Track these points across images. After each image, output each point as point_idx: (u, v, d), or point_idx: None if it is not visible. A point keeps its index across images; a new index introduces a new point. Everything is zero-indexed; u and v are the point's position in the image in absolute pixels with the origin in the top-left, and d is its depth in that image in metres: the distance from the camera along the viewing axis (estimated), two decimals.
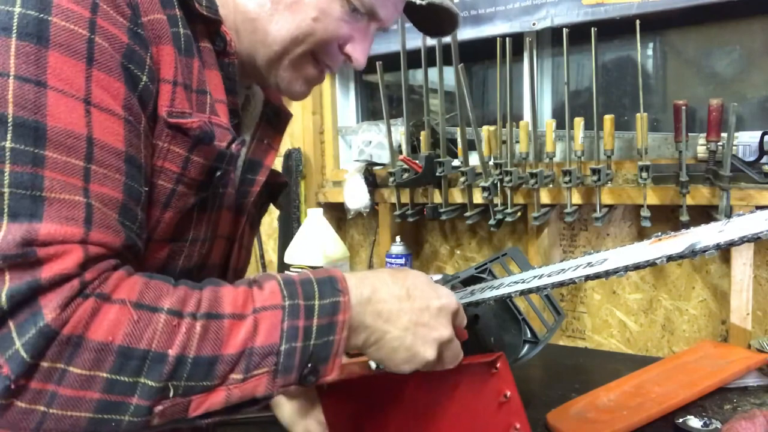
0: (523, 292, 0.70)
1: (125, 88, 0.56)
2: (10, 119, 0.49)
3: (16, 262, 0.47)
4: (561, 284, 0.65)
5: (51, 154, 0.50)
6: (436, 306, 0.63)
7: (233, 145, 0.66)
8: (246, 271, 0.88)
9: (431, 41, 1.65)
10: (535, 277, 0.73)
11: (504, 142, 1.59)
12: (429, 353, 0.62)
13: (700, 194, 1.39)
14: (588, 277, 0.62)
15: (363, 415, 0.79)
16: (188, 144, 0.61)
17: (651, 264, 0.55)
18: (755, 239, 0.47)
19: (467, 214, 1.65)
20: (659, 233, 0.64)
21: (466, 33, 1.67)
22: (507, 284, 0.76)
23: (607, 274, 0.59)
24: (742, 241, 0.48)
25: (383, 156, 1.92)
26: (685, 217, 1.39)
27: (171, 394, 0.51)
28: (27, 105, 0.50)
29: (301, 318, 0.56)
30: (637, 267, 0.56)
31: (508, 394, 0.69)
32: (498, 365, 0.70)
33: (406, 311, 0.62)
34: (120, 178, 0.55)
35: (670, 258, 0.53)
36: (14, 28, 0.51)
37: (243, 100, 0.80)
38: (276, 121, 0.84)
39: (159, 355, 0.50)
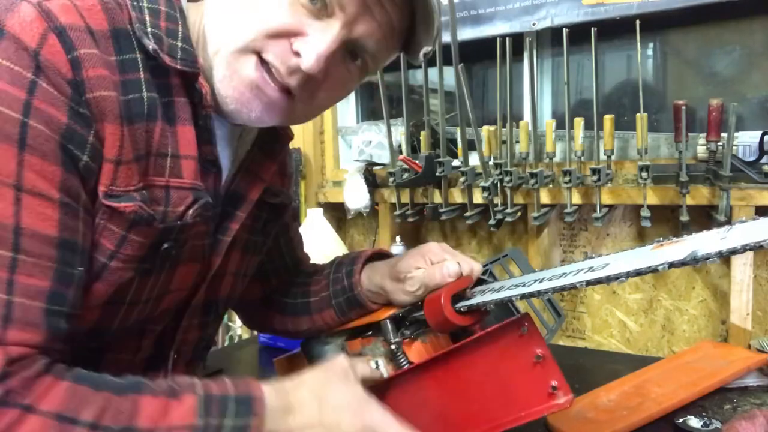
0: (524, 296, 0.70)
1: (62, 170, 0.54)
2: None
3: None
4: (562, 289, 0.65)
5: None
6: (349, 424, 0.62)
7: (191, 211, 0.64)
8: (237, 295, 0.85)
9: None
10: (535, 280, 0.73)
11: (504, 142, 1.59)
12: None
13: (700, 194, 1.39)
14: (589, 282, 0.61)
15: (407, 404, 0.79)
16: (125, 224, 0.59)
17: (653, 271, 0.55)
18: (758, 248, 0.47)
19: (467, 214, 1.65)
20: (661, 238, 0.64)
21: (466, 33, 1.67)
22: (508, 287, 0.76)
23: (608, 279, 0.59)
24: (745, 249, 0.48)
25: (383, 156, 1.92)
26: (685, 218, 1.39)
27: None
28: None
29: None
30: (638, 273, 0.56)
31: (541, 353, 0.68)
32: (526, 325, 0.69)
33: (321, 425, 0.62)
34: (50, 265, 0.54)
35: (672, 265, 0.53)
36: None
37: (240, 132, 0.75)
38: (270, 146, 0.79)
39: None
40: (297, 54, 0.62)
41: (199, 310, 0.75)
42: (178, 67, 0.62)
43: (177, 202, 0.63)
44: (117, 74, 0.58)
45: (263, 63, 0.63)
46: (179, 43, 0.63)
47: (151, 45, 0.60)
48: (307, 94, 0.66)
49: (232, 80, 0.64)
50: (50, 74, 0.53)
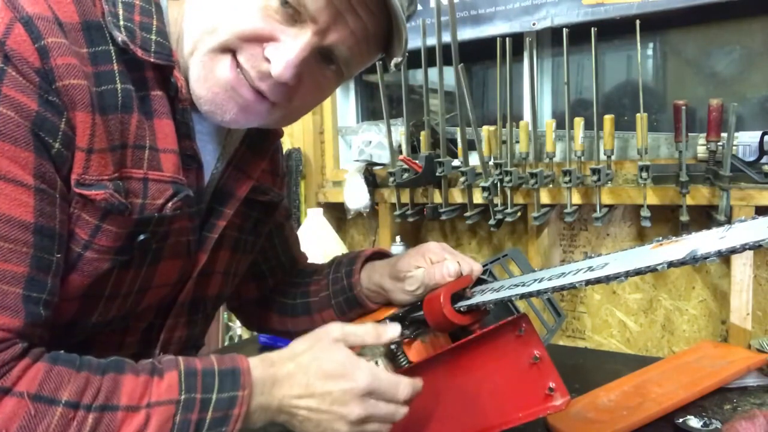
0: (523, 296, 0.70)
1: (35, 155, 0.54)
2: None
3: None
4: (562, 288, 0.65)
5: None
6: (340, 390, 0.62)
7: (170, 204, 0.63)
8: (227, 294, 0.85)
9: (431, 41, 1.64)
10: (535, 280, 0.73)
11: (504, 142, 1.59)
12: (342, 429, 0.63)
13: (700, 194, 1.39)
14: (589, 282, 0.61)
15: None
16: (98, 213, 0.59)
17: (652, 270, 0.55)
18: (756, 247, 0.47)
19: (467, 214, 1.66)
20: (660, 237, 0.64)
21: (466, 33, 1.67)
22: (507, 287, 0.76)
23: (608, 279, 0.59)
24: (744, 248, 0.48)
25: (383, 156, 1.92)
26: (685, 217, 1.39)
27: None
28: None
29: (195, 411, 0.57)
30: (638, 273, 0.56)
31: (538, 354, 0.68)
32: (523, 326, 0.69)
33: (313, 395, 0.62)
34: (27, 251, 0.54)
35: (671, 264, 0.53)
36: None
37: (227, 129, 0.75)
38: (259, 145, 0.79)
39: None
40: (268, 60, 0.62)
41: (186, 308, 0.75)
42: (152, 59, 0.62)
43: (156, 194, 0.63)
44: (89, 66, 0.58)
45: (237, 64, 0.63)
46: (153, 37, 0.63)
47: (120, 37, 0.60)
48: (283, 99, 0.66)
49: (207, 81, 0.64)
50: (17, 63, 0.53)
